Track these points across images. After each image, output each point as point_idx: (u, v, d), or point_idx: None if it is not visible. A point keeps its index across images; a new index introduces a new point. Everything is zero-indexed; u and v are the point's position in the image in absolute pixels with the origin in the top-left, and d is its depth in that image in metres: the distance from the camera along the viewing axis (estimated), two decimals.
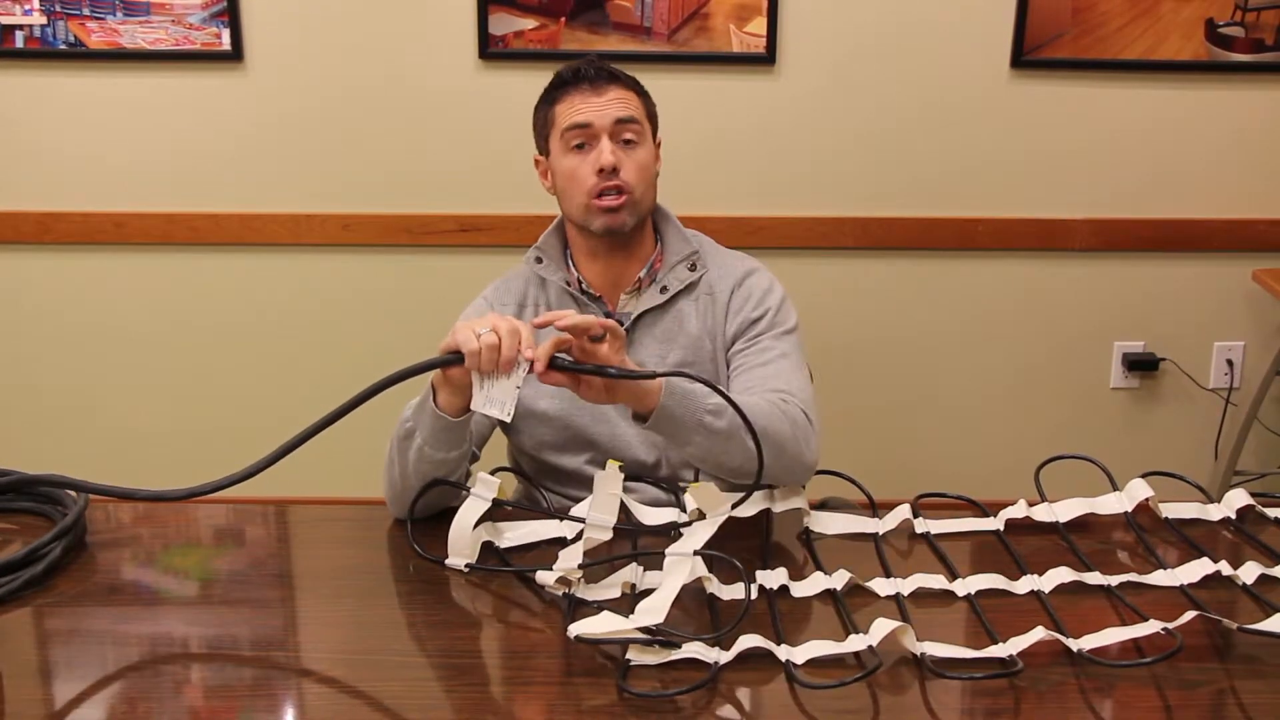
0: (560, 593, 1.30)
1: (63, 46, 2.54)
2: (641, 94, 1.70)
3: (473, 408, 1.38)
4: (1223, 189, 2.70)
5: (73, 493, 1.47)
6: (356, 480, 2.74)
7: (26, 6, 2.52)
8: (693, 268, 1.71)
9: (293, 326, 2.73)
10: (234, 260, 2.69)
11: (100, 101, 2.59)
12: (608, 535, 1.36)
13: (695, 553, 1.30)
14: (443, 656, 1.20)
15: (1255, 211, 2.72)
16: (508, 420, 1.36)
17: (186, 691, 1.14)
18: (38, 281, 2.70)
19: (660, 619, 1.19)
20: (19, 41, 2.54)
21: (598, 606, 1.26)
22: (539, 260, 1.72)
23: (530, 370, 1.34)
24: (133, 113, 2.60)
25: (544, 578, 1.32)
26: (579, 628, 1.19)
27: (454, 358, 1.35)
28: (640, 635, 1.18)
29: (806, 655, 1.17)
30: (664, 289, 1.69)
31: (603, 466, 1.39)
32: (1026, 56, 2.59)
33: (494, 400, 1.35)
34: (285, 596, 1.33)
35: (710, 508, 1.38)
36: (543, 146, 1.72)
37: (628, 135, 1.64)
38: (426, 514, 1.48)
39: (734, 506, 1.41)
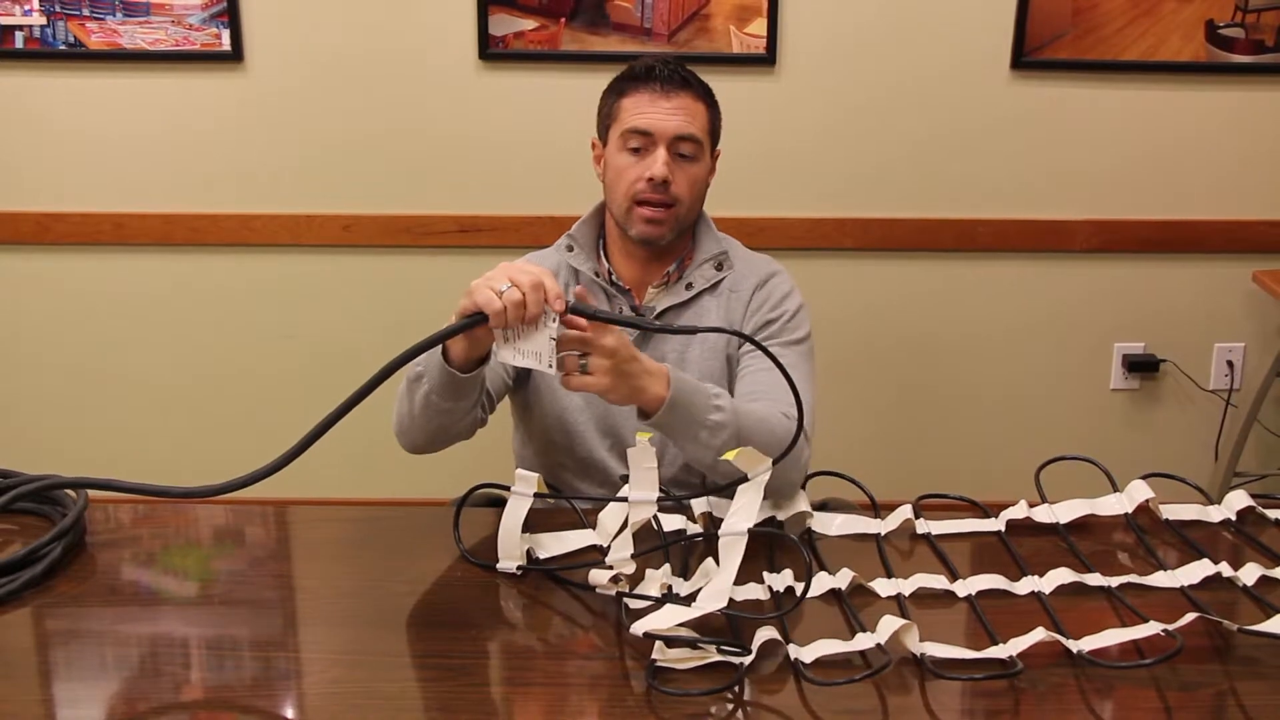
0: (612, 592, 1.29)
1: (63, 47, 2.54)
2: (710, 104, 1.71)
3: (501, 360, 1.34)
4: (1223, 190, 2.70)
5: (72, 493, 1.47)
6: (356, 480, 2.75)
7: (26, 7, 2.52)
8: (719, 267, 1.72)
9: (293, 327, 2.73)
10: (234, 260, 2.69)
11: (100, 101, 2.59)
12: (653, 511, 1.33)
13: (749, 531, 1.25)
14: (443, 657, 1.20)
15: (1255, 212, 2.72)
16: (552, 372, 1.32)
17: (186, 691, 1.14)
18: (38, 281, 2.70)
19: (723, 603, 1.19)
20: (19, 42, 2.54)
21: (658, 600, 1.24)
22: (569, 248, 1.72)
23: (559, 319, 1.29)
24: (133, 113, 2.60)
25: (597, 577, 1.29)
26: (644, 625, 1.17)
27: (477, 319, 1.29)
28: (682, 634, 1.17)
29: (814, 654, 1.17)
30: (689, 285, 1.70)
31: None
32: (1027, 57, 2.59)
33: (526, 353, 1.30)
34: (285, 596, 1.32)
35: (752, 468, 1.30)
36: (602, 134, 1.72)
37: (685, 150, 1.65)
38: (433, 450, 1.55)
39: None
